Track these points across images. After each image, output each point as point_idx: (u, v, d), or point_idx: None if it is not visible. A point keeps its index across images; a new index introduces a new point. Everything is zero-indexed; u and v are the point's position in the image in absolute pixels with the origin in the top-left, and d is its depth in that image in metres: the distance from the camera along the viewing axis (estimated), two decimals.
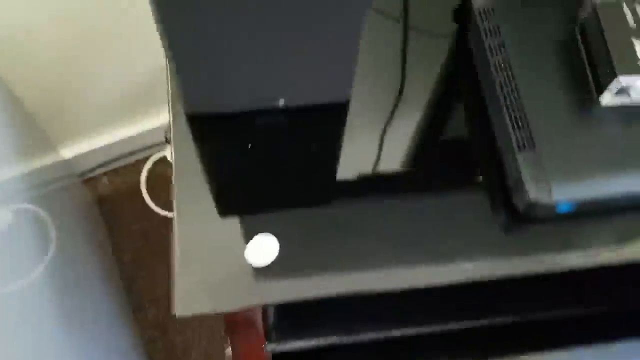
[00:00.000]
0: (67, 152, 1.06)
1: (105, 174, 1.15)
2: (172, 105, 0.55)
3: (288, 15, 0.45)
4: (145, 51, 0.92)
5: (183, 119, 0.53)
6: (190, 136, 0.54)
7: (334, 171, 0.54)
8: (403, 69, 0.58)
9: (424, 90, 0.58)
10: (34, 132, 0.97)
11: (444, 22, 0.61)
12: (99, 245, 1.07)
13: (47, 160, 0.99)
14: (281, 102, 0.53)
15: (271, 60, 0.49)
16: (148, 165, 1.15)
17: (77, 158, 1.07)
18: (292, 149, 0.55)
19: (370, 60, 0.58)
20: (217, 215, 0.51)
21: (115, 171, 1.15)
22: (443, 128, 0.57)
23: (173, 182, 0.52)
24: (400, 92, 0.57)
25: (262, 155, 0.54)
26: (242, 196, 0.54)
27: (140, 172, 1.14)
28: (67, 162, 1.08)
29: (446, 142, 0.56)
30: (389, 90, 0.57)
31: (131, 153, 1.14)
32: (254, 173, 0.54)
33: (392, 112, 0.56)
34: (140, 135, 1.09)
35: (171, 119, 0.54)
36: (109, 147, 1.08)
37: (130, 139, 1.09)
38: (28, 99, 0.91)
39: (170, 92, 0.55)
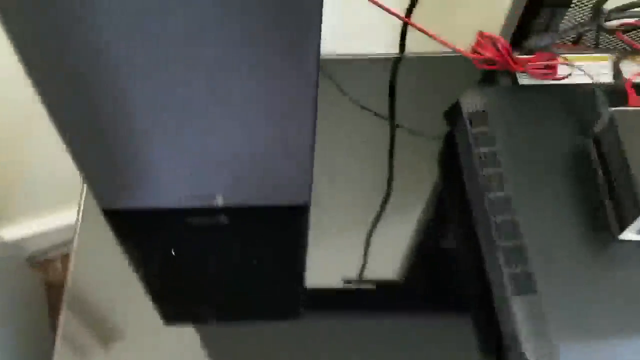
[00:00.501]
0: (16, 232, 0.95)
1: (57, 259, 1.04)
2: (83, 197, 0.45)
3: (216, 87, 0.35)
4: None
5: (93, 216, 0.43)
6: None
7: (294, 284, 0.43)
8: (390, 171, 0.48)
9: (410, 197, 0.47)
10: None
11: (435, 124, 0.52)
12: (39, 333, 0.94)
13: None
14: (218, 201, 0.43)
15: (202, 149, 0.39)
16: None
17: (26, 240, 0.96)
18: (232, 259, 0.44)
19: (353, 159, 0.49)
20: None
21: (66, 256, 1.03)
22: (428, 244, 0.45)
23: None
24: (385, 199, 0.47)
25: (194, 263, 0.43)
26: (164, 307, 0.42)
27: None
28: (12, 243, 0.97)
29: (431, 261, 0.44)
30: (371, 193, 0.47)
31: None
32: (180, 284, 0.43)
33: (374, 219, 0.45)
34: None
35: (79, 215, 0.44)
36: (65, 228, 0.97)
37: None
38: None
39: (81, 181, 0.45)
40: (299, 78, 0.34)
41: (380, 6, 0.48)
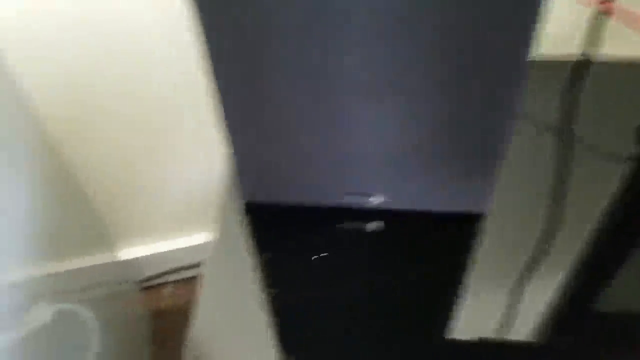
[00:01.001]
0: (128, 254, 0.94)
1: (169, 284, 1.01)
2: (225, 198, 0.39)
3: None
4: (215, 153, 0.81)
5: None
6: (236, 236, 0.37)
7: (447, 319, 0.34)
8: (569, 182, 0.39)
9: (587, 208, 0.37)
10: (94, 228, 0.87)
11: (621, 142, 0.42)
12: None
13: (103, 259, 0.87)
14: (378, 200, 0.36)
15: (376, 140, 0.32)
16: None
17: (139, 262, 0.94)
18: (387, 269, 0.36)
19: (530, 168, 0.40)
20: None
21: (181, 282, 1.00)
22: (609, 255, 0.35)
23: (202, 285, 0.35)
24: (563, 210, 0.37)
25: (340, 270, 0.35)
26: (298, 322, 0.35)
27: None
28: (126, 265, 0.95)
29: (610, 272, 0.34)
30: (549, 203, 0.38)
31: (202, 264, 0.99)
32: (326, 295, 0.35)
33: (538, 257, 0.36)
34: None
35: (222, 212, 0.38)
36: (177, 253, 0.95)
37: (200, 247, 0.95)
38: (93, 191, 0.82)
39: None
40: (504, 84, 0.27)
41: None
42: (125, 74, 0.70)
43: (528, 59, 0.27)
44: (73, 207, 0.79)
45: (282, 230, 0.37)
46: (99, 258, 0.85)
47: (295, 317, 0.33)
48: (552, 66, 0.47)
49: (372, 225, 0.36)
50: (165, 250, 0.95)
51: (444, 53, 0.27)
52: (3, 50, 0.59)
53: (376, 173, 0.34)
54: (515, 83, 0.29)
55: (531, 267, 0.35)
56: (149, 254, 0.94)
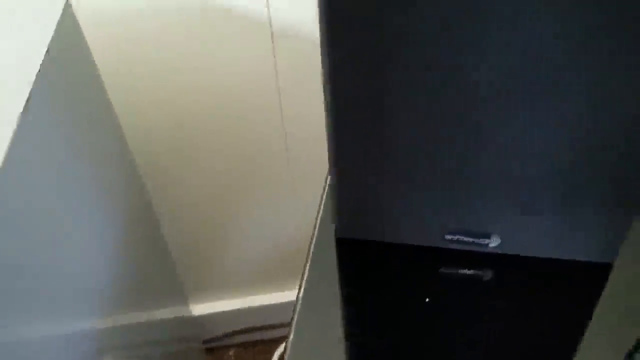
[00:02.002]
0: (197, 310, 0.92)
1: (233, 346, 0.97)
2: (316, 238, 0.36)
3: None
4: (296, 217, 0.80)
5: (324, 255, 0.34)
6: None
7: None
8: None
9: None
10: (170, 281, 0.86)
11: None
12: None
13: (174, 314, 0.85)
14: (494, 243, 0.32)
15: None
16: (281, 349, 0.94)
17: (205, 319, 0.92)
18: (500, 319, 0.31)
19: None
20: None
21: (244, 346, 0.96)
22: None
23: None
24: None
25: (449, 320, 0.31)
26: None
27: (271, 353, 0.93)
28: (194, 323, 0.93)
29: None
30: None
31: (266, 327, 0.95)
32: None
33: None
34: (281, 307, 0.91)
35: (312, 248, 0.35)
36: (243, 313, 0.91)
37: (268, 309, 0.92)
38: (172, 241, 0.82)
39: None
40: None
41: None
42: (218, 129, 0.72)
43: None
44: (153, 257, 0.78)
45: (382, 270, 0.33)
46: (169, 312, 0.83)
47: None
48: None
49: (487, 274, 0.32)
50: (232, 309, 0.92)
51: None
52: (112, 94, 0.61)
53: (493, 209, 0.30)
54: None
55: None
56: (215, 311, 0.92)
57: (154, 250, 0.79)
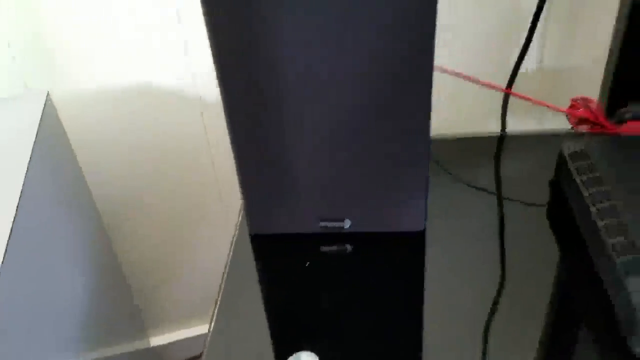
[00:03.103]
0: (155, 341, 1.04)
1: None
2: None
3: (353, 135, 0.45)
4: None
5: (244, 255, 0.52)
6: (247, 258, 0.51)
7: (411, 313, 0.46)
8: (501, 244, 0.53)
9: (523, 245, 0.51)
10: (131, 316, 0.97)
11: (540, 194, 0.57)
12: None
13: (135, 347, 0.97)
14: (347, 225, 0.50)
15: (334, 179, 0.48)
16: None
17: (162, 349, 1.04)
18: (357, 279, 0.49)
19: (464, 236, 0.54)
20: (257, 329, 0.45)
21: None
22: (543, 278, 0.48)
23: (219, 297, 0.48)
24: (502, 273, 0.51)
25: (324, 280, 0.49)
26: (291, 315, 0.47)
27: None
28: (153, 353, 1.04)
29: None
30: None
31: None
32: (311, 298, 0.48)
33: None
34: None
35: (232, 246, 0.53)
36: (201, 340, 1.05)
37: None
38: (131, 280, 0.95)
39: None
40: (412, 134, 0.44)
41: (483, 83, 0.58)
42: (166, 184, 0.88)
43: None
44: (115, 296, 0.89)
45: (281, 257, 0.51)
46: (129, 346, 0.94)
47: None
48: (475, 140, 0.64)
49: (348, 248, 0.50)
50: (188, 337, 1.05)
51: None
52: (79, 154, 0.77)
53: (344, 201, 0.49)
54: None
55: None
56: (174, 340, 1.04)
57: (114, 287, 0.91)
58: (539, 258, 0.49)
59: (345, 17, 0.39)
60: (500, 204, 0.56)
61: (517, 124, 0.64)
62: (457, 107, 0.77)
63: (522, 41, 0.61)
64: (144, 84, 0.79)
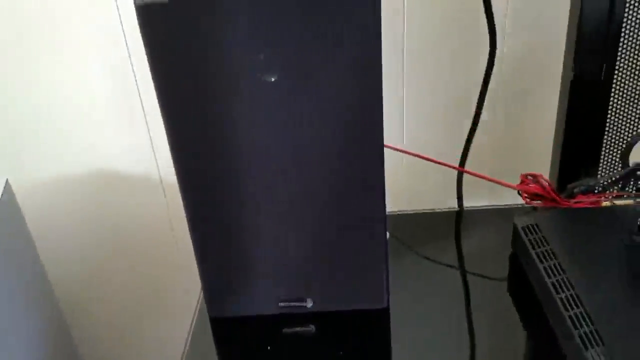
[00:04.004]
0: None
1: None
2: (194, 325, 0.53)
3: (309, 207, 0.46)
4: None
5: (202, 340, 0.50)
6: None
7: None
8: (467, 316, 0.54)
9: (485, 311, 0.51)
10: None
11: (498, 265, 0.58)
12: None
13: None
14: (309, 304, 0.49)
15: (292, 257, 0.48)
16: None
17: None
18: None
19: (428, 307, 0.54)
20: None
21: None
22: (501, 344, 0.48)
23: None
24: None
25: None
26: None
27: None
28: None
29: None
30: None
31: None
32: None
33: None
34: None
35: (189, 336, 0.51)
36: None
37: None
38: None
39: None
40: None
41: (436, 162, 0.60)
42: (125, 262, 0.86)
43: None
44: None
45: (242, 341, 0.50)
46: None
47: None
48: (434, 216, 0.65)
49: (311, 328, 0.49)
50: None
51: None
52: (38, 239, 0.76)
53: (304, 280, 0.49)
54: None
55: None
56: None
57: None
58: (502, 330, 0.49)
59: (298, 104, 0.41)
60: (461, 279, 0.57)
61: (474, 199, 0.66)
62: (416, 184, 0.79)
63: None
64: (105, 167, 0.79)
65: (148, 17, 0.37)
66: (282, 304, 0.49)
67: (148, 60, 0.39)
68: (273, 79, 0.38)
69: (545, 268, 0.46)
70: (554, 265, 0.46)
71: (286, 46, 0.39)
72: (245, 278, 0.48)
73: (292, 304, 0.49)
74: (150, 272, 0.89)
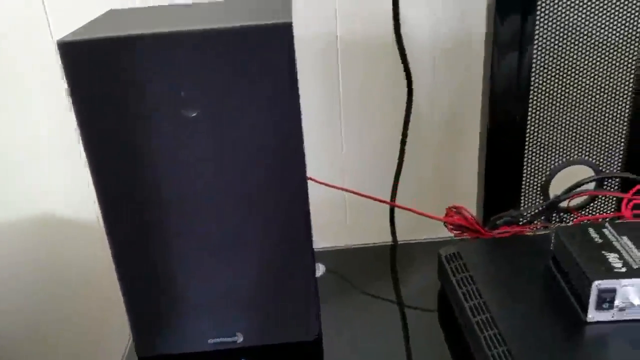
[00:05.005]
0: None
1: None
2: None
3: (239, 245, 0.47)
4: None
5: None
6: None
7: None
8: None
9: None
10: None
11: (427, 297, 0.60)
12: None
13: None
14: (239, 339, 0.50)
15: (220, 290, 0.48)
16: None
17: None
18: None
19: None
20: None
21: None
22: None
23: None
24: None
25: None
26: None
27: None
28: None
29: None
30: None
31: None
32: None
33: None
34: None
35: None
36: None
37: None
38: None
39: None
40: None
41: (367, 196, 0.62)
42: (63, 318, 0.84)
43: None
44: None
45: None
46: None
47: None
48: (367, 250, 0.67)
49: None
50: None
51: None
52: None
53: (233, 315, 0.49)
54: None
55: None
56: None
57: None
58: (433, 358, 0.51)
59: (219, 140, 0.43)
60: (394, 311, 0.58)
61: (414, 232, 0.68)
62: (357, 219, 0.81)
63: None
64: (43, 216, 0.79)
65: (69, 55, 0.39)
66: (211, 341, 0.50)
67: (69, 97, 0.40)
68: (193, 115, 0.40)
69: (464, 293, 0.48)
70: (472, 290, 0.48)
71: (205, 83, 0.40)
72: (173, 316, 0.48)
73: (222, 339, 0.50)
74: (92, 316, 0.87)
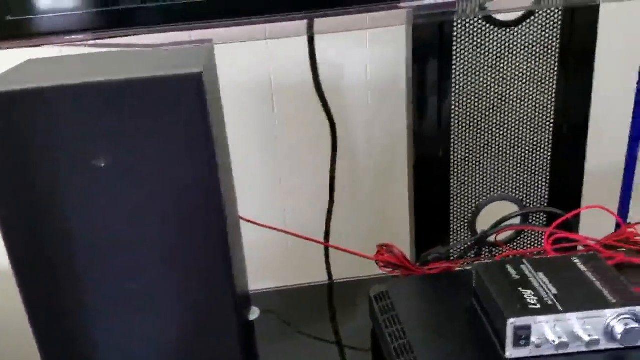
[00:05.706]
0: None
1: None
2: None
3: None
4: None
5: None
6: None
7: None
8: None
9: None
10: None
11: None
12: None
13: None
14: None
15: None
16: None
17: None
18: None
19: None
20: None
21: None
22: None
23: None
24: None
25: None
26: None
27: None
28: None
29: None
30: None
31: None
32: None
33: None
34: None
35: None
36: None
37: None
38: None
39: None
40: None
41: (300, 236, 0.62)
42: None
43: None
44: None
45: None
46: None
47: None
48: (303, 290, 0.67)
49: None
50: None
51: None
52: None
53: None
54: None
55: None
56: None
57: None
58: None
59: (132, 192, 0.42)
60: (329, 351, 0.58)
61: (353, 270, 0.68)
62: (298, 261, 0.81)
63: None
64: None
65: None
66: None
67: None
68: (102, 165, 0.40)
69: (389, 333, 0.48)
70: (398, 330, 0.48)
71: (118, 134, 0.40)
72: None
73: None
74: None
